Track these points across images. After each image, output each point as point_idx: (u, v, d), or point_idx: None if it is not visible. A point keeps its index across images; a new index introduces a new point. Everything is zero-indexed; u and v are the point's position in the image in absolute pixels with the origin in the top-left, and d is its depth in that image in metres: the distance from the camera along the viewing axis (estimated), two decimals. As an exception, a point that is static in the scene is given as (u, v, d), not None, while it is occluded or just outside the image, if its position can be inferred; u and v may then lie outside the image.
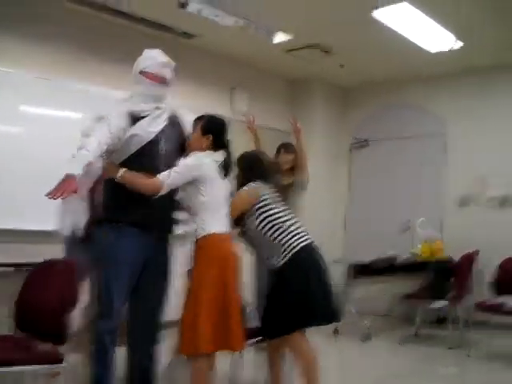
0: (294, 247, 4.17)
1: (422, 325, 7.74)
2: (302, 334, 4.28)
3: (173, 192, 4.00)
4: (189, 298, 3.90)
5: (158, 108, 4.09)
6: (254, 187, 4.29)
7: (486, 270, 7.50)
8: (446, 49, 7.69)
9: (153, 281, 4.15)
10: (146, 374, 4.20)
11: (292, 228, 4.23)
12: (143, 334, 4.20)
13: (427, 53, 7.87)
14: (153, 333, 4.23)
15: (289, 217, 4.30)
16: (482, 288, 7.36)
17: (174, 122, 4.20)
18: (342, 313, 4.47)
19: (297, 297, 4.12)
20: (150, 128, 4.01)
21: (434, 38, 7.42)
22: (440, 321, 8.00)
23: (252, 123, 6.02)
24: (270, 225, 4.21)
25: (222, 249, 3.95)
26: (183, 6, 6.28)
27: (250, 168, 4.43)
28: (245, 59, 8.47)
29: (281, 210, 4.30)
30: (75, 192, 3.60)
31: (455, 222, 8.67)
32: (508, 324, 6.99)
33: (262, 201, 4.25)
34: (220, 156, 4.01)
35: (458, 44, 7.56)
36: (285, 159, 6.10)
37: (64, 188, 3.52)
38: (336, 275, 7.72)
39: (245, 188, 4.28)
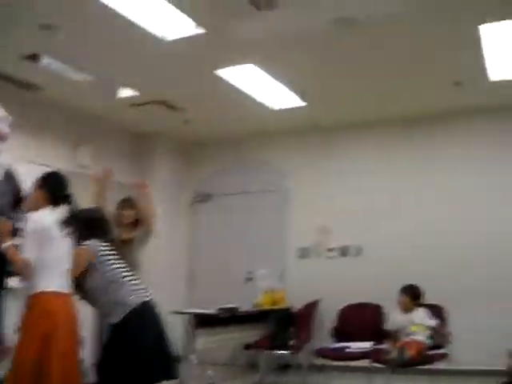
0: (131, 304, 4.13)
1: (266, 372, 7.89)
2: None
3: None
4: (13, 357, 3.78)
5: None
6: (92, 245, 4.24)
7: (327, 317, 7.84)
8: (290, 106, 8.08)
9: None
10: None
11: (130, 284, 4.22)
12: None
13: (272, 110, 8.21)
14: None
15: (127, 273, 4.28)
16: (322, 334, 7.66)
17: (8, 177, 4.13)
18: (177, 369, 4.37)
19: (133, 354, 4.04)
20: None
21: (278, 96, 7.75)
22: (283, 367, 8.18)
23: (104, 177, 5.97)
24: (107, 281, 4.17)
25: (49, 307, 3.83)
26: (35, 58, 6.22)
27: (87, 225, 4.31)
28: (91, 113, 8.38)
29: (118, 266, 4.27)
30: None
31: (297, 272, 8.93)
32: (347, 367, 7.24)
33: (100, 258, 4.20)
34: (60, 212, 3.97)
35: (301, 103, 7.97)
36: (126, 214, 6.10)
37: None
38: (179, 326, 7.81)
39: (82, 246, 4.20)
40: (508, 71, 6.79)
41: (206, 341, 7.43)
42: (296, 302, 7.94)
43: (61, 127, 8.17)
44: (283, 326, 7.38)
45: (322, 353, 6.92)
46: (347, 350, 6.82)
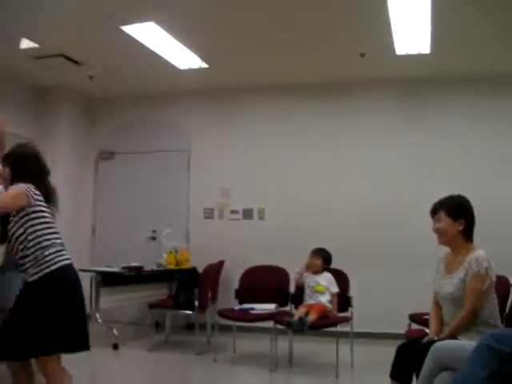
0: (56, 263, 3.82)
1: (172, 332, 7.91)
2: (55, 356, 3.87)
3: None
4: None
5: None
6: (33, 188, 3.89)
7: (232, 279, 7.91)
8: (194, 66, 8.00)
9: None
10: None
11: (57, 243, 3.91)
12: None
13: (176, 69, 8.10)
14: None
15: (56, 230, 3.97)
16: (228, 296, 7.69)
17: None
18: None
19: (51, 318, 3.74)
20: None
21: (182, 56, 7.67)
22: (189, 327, 8.20)
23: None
24: (37, 233, 3.83)
25: None
26: None
27: (29, 165, 4.02)
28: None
29: (50, 221, 3.96)
30: None
31: (200, 233, 8.98)
32: (250, 328, 7.38)
33: (38, 206, 3.87)
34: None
35: (204, 65, 7.89)
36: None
37: None
38: (83, 284, 7.65)
39: (22, 185, 3.85)
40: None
41: (110, 299, 7.41)
42: (200, 263, 7.95)
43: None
44: (187, 285, 7.37)
45: (226, 313, 6.95)
46: (251, 311, 6.87)
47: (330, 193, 8.53)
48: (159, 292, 8.07)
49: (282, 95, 8.89)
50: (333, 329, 6.25)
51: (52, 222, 3.93)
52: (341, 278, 6.87)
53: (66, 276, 3.88)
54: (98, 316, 7.34)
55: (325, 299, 6.62)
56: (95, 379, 6.22)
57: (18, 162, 4.01)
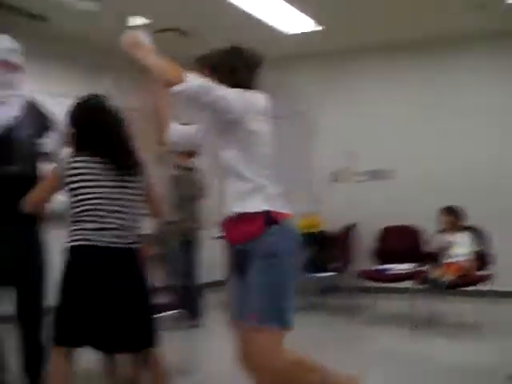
0: (86, 237, 3.24)
1: (308, 295, 7.86)
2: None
3: None
4: None
5: (9, 95, 3.86)
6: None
7: (364, 241, 7.76)
8: (308, 30, 7.84)
9: None
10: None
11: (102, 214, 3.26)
12: None
13: (289, 34, 8.00)
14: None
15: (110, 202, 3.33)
16: (362, 258, 7.58)
17: (31, 109, 3.96)
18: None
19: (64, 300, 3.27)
20: (2, 115, 3.78)
21: (294, 21, 7.53)
22: (326, 290, 8.11)
23: None
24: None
25: None
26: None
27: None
28: (102, 43, 8.17)
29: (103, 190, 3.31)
30: None
31: (330, 196, 8.82)
32: (388, 289, 7.30)
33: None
34: None
35: (318, 27, 7.69)
36: None
37: None
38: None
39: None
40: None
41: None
42: (331, 226, 7.90)
43: (74, 58, 7.96)
44: (323, 249, 7.28)
45: (365, 274, 6.90)
46: (389, 271, 6.76)
47: (460, 151, 8.18)
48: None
49: (403, 53, 8.59)
50: (472, 288, 6.08)
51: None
52: (479, 236, 6.60)
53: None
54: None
55: (463, 258, 6.37)
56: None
57: None
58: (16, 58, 3.89)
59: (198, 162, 6.42)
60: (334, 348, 5.89)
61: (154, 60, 3.00)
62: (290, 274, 3.01)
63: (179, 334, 4.91)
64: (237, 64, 3.29)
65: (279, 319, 3.01)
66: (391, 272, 6.72)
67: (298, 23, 7.62)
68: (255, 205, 2.98)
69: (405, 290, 6.65)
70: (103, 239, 3.22)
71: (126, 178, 3.34)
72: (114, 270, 3.24)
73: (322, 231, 8.06)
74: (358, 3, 6.98)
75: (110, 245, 3.24)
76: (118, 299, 3.21)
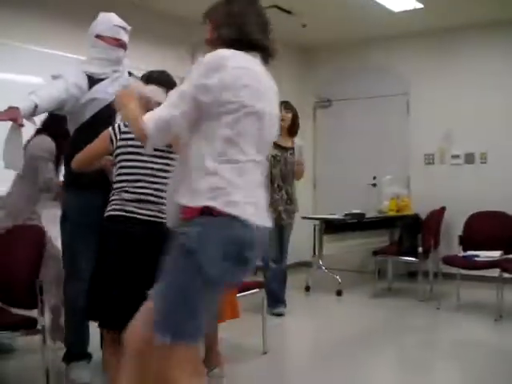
0: (124, 208, 3.22)
1: (394, 279, 7.88)
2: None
3: None
4: None
5: (115, 71, 4.05)
6: None
7: (453, 225, 7.70)
8: (408, 8, 7.71)
9: None
10: None
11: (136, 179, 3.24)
12: None
13: (390, 12, 7.86)
14: None
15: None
16: (450, 243, 7.55)
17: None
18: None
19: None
20: (109, 89, 3.93)
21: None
22: (411, 274, 8.11)
23: None
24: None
25: None
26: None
27: None
28: (191, 17, 8.30)
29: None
30: (15, 120, 3.54)
31: (421, 179, 8.79)
32: (474, 276, 7.18)
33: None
34: None
35: (419, 5, 7.58)
36: (285, 116, 6.17)
37: (5, 114, 3.53)
38: (306, 232, 7.87)
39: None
40: None
41: (333, 246, 7.49)
42: (421, 209, 7.80)
43: (176, 35, 8.14)
44: (411, 232, 7.26)
45: (450, 260, 6.80)
46: (476, 258, 6.65)
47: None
48: (380, 239, 8.05)
49: (506, 32, 8.27)
50: None
51: None
52: None
53: None
54: (321, 263, 7.46)
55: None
56: (320, 323, 6.37)
57: None
58: (124, 36, 4.06)
59: (297, 142, 6.48)
60: (415, 333, 5.98)
61: (128, 114, 2.63)
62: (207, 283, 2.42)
63: (262, 318, 4.99)
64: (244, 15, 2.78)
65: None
66: (479, 259, 6.59)
67: (400, 1, 7.53)
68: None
69: (492, 279, 6.55)
70: (140, 211, 3.17)
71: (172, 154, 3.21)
72: (149, 244, 3.11)
73: (411, 214, 8.01)
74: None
75: (149, 218, 3.17)
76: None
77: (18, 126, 3.62)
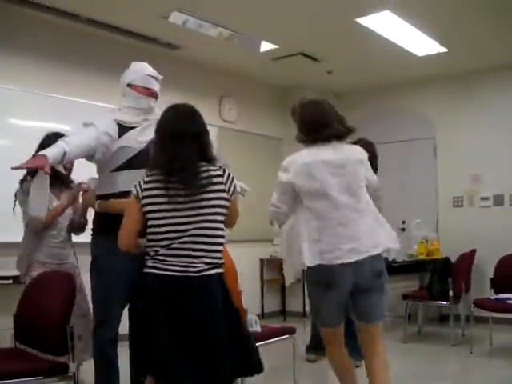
0: (156, 265, 3.13)
1: (424, 323, 7.80)
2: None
3: None
4: None
5: (146, 120, 4.05)
6: None
7: (484, 268, 7.64)
8: (432, 52, 7.80)
9: None
10: None
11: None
12: None
13: (414, 56, 7.95)
14: None
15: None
16: (481, 285, 7.43)
17: None
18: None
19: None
20: (139, 138, 3.95)
21: (419, 43, 7.51)
22: (442, 318, 8.01)
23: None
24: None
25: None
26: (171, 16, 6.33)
27: None
28: (232, 68, 8.49)
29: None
30: (42, 168, 3.56)
31: (450, 222, 8.73)
32: (507, 319, 7.12)
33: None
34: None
35: (443, 49, 7.66)
36: None
37: (32, 162, 3.57)
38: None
39: None
40: None
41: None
42: (451, 252, 7.71)
43: (204, 84, 8.30)
44: (441, 276, 7.17)
45: (482, 304, 6.69)
46: (508, 301, 6.52)
47: None
48: (410, 283, 8.01)
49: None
50: None
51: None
52: None
53: None
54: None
55: None
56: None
57: None
58: (155, 85, 4.09)
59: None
60: (448, 379, 5.85)
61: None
62: None
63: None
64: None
65: None
66: (511, 301, 6.45)
67: (422, 45, 7.61)
68: None
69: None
70: (171, 267, 3.07)
71: (197, 197, 3.11)
72: (184, 300, 3.05)
73: (441, 257, 7.93)
74: (480, 24, 6.90)
75: (180, 273, 3.06)
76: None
77: (44, 173, 3.68)
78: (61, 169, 4.19)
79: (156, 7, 6.33)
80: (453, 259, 7.47)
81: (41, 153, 3.67)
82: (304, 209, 3.67)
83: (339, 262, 3.53)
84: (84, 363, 4.68)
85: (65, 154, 3.75)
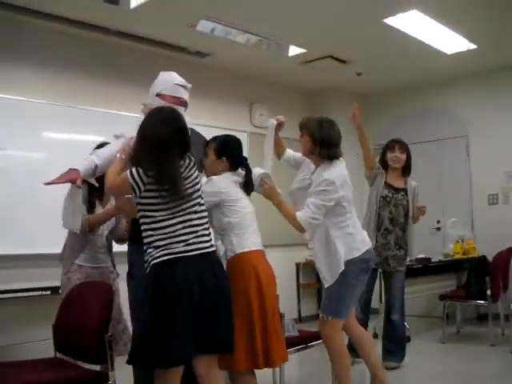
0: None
1: (463, 323, 7.76)
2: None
3: None
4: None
5: None
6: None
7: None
8: (462, 49, 7.75)
9: None
10: None
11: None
12: None
13: (444, 54, 7.92)
14: None
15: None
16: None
17: (193, 142, 4.21)
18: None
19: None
20: None
21: (448, 41, 7.49)
22: (481, 318, 7.95)
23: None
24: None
25: (253, 265, 3.80)
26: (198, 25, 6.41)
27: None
28: (261, 74, 8.54)
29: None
30: (74, 182, 3.67)
31: (485, 220, 8.67)
32: None
33: None
34: (239, 175, 3.98)
35: (472, 46, 7.62)
36: (397, 158, 6.02)
37: (65, 176, 3.66)
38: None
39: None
40: None
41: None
42: (488, 251, 7.65)
43: (233, 90, 8.37)
44: (478, 274, 7.12)
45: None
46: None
47: None
48: (447, 283, 7.95)
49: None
50: None
51: None
52: None
53: None
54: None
55: None
56: (389, 371, 6.15)
57: None
58: (184, 94, 4.12)
59: (409, 184, 6.18)
60: (488, 380, 5.77)
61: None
62: None
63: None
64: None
65: None
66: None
67: (451, 43, 7.58)
68: None
69: None
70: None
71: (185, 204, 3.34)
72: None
73: (477, 256, 7.86)
74: (508, 19, 6.83)
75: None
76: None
77: (76, 187, 3.74)
78: (93, 181, 4.23)
79: (184, 16, 6.39)
80: (489, 258, 7.39)
81: (72, 167, 3.73)
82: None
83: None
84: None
85: (96, 166, 3.81)
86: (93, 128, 6.41)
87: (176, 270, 3.24)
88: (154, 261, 3.29)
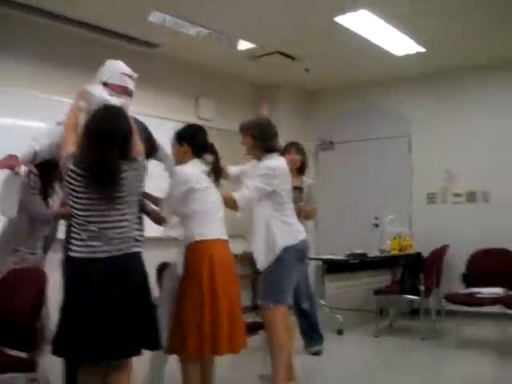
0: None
1: (396, 317, 8.00)
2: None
3: None
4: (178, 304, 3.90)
5: None
6: None
7: (456, 263, 7.79)
8: (411, 52, 7.91)
9: None
10: None
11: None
12: None
13: (392, 56, 8.05)
14: None
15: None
16: (452, 280, 7.66)
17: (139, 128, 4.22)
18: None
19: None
20: None
21: (398, 42, 7.61)
22: (413, 312, 8.16)
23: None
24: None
25: (209, 253, 3.92)
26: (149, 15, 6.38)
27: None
28: (209, 67, 8.55)
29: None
30: (12, 168, 3.70)
31: (423, 218, 8.90)
32: (476, 313, 7.24)
33: None
34: (206, 162, 4.05)
35: (421, 49, 7.79)
36: (294, 159, 6.07)
37: (3, 162, 3.69)
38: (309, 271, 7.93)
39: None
40: None
41: (335, 286, 7.52)
42: (423, 248, 7.90)
43: (181, 82, 8.39)
44: (413, 271, 7.31)
45: (453, 298, 6.85)
46: (478, 295, 6.70)
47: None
48: (383, 278, 8.13)
49: (505, 71, 8.41)
50: None
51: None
52: None
53: None
54: (323, 302, 7.51)
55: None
56: (321, 363, 6.30)
57: None
58: (130, 84, 4.10)
59: (305, 181, 6.31)
60: (417, 371, 5.99)
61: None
62: None
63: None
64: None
65: None
66: (480, 295, 6.64)
67: (401, 45, 7.70)
68: None
69: (494, 316, 6.65)
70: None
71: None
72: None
73: (413, 253, 8.06)
74: (457, 24, 6.99)
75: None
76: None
77: (15, 173, 3.76)
78: (32, 168, 4.24)
79: (135, 7, 6.39)
80: (425, 255, 7.61)
81: (11, 153, 3.76)
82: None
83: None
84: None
85: (35, 153, 3.82)
86: (35, 114, 6.30)
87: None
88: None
